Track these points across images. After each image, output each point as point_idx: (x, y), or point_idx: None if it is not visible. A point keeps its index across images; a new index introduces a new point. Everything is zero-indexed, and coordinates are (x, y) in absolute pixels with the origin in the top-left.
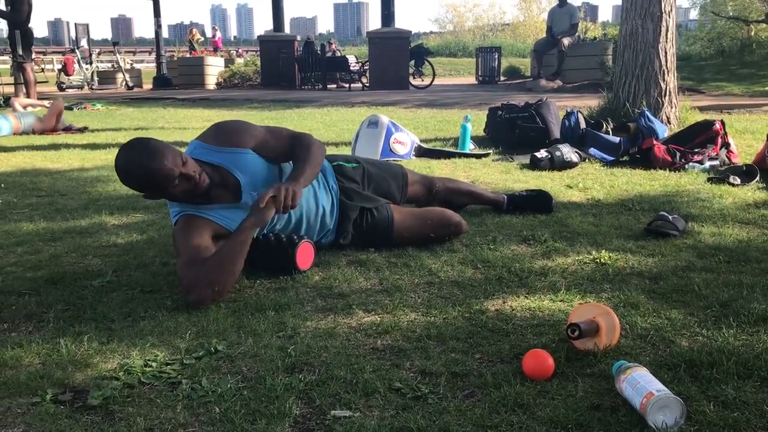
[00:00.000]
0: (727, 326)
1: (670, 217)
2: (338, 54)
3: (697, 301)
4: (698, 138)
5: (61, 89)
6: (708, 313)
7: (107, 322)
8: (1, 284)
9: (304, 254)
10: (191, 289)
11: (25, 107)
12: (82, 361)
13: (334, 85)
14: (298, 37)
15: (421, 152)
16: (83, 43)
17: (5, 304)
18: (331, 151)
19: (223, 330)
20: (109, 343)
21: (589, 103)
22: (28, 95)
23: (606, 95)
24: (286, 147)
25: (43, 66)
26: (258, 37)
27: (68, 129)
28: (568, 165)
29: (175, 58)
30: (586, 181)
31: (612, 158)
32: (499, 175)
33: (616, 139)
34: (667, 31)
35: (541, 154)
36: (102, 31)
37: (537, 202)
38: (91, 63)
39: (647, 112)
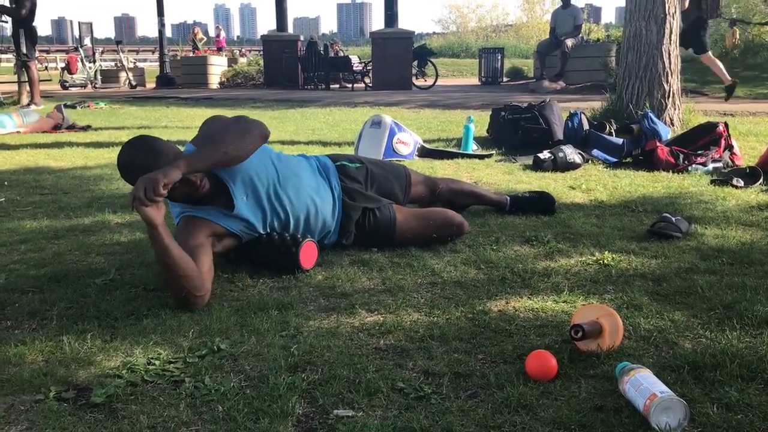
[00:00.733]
0: (730, 328)
1: (673, 218)
2: (341, 54)
3: (700, 303)
4: (702, 140)
5: (64, 87)
6: (711, 315)
7: (110, 320)
8: (5, 282)
9: (308, 253)
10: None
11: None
12: (85, 359)
13: (337, 85)
14: (302, 37)
15: (424, 152)
16: (87, 41)
17: (9, 301)
18: (334, 150)
19: (226, 329)
20: (113, 341)
21: (593, 104)
22: (31, 94)
23: (609, 97)
24: (221, 129)
25: (46, 64)
26: (261, 36)
27: (71, 127)
28: (571, 166)
29: (179, 58)
30: (589, 183)
31: (615, 160)
32: (501, 176)
33: (620, 141)
34: (670, 32)
35: (544, 155)
36: (105, 29)
37: (540, 203)
38: (94, 62)
39: (650, 114)
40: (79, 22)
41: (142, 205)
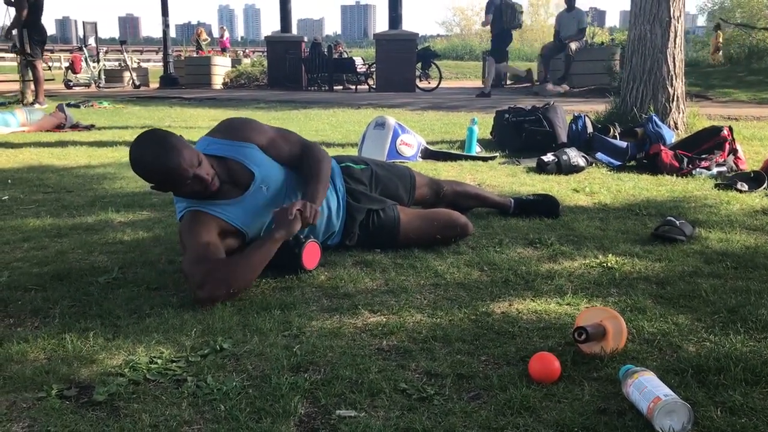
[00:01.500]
0: (734, 332)
1: (677, 222)
2: (345, 56)
3: (704, 306)
4: (706, 144)
5: (68, 87)
6: (715, 318)
7: (113, 318)
8: (8, 279)
9: (311, 254)
10: (203, 286)
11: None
12: (87, 357)
13: (341, 87)
14: (305, 39)
15: (428, 154)
16: (91, 41)
17: (11, 299)
18: (337, 152)
19: (228, 328)
20: (115, 339)
21: (596, 107)
22: (36, 93)
23: (613, 100)
24: (297, 153)
25: (50, 64)
26: (265, 37)
27: (75, 126)
28: (574, 169)
29: (182, 58)
30: (593, 186)
31: (619, 163)
32: (505, 179)
33: (624, 144)
34: (675, 36)
35: (548, 157)
36: (110, 29)
37: (544, 206)
38: (98, 61)
39: (655, 117)
40: (83, 22)
41: (306, 226)
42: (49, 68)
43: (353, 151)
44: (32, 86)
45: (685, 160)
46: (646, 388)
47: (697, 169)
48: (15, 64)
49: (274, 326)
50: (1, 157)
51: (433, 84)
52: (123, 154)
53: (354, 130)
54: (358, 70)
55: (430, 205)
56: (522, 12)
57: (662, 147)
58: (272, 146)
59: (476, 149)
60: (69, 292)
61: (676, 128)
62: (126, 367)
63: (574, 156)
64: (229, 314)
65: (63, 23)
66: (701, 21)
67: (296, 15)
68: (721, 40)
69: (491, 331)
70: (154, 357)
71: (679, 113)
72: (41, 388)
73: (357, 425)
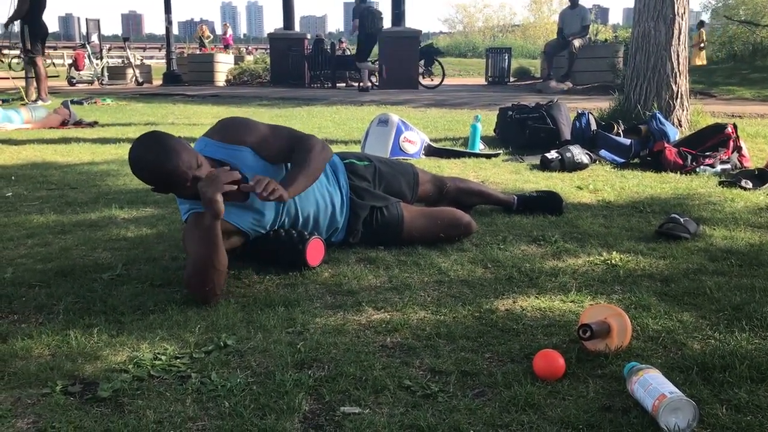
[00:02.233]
0: (739, 330)
1: (681, 219)
2: (348, 53)
3: (708, 304)
4: (710, 141)
5: (71, 84)
6: (720, 316)
7: (117, 314)
8: (12, 276)
9: (314, 251)
10: (188, 289)
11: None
12: (91, 353)
13: (344, 84)
14: (308, 36)
15: (431, 151)
16: (94, 38)
17: (15, 295)
18: (340, 149)
19: (232, 325)
20: (119, 335)
21: (600, 105)
22: (39, 89)
23: (617, 97)
24: (285, 146)
25: (52, 60)
26: (268, 34)
27: (78, 123)
28: (578, 166)
29: (185, 55)
30: (597, 183)
31: (623, 160)
32: (509, 176)
33: (627, 141)
34: (679, 33)
35: (552, 155)
36: (112, 26)
37: (547, 203)
38: (101, 58)
39: (659, 115)
40: (86, 19)
41: (217, 191)
42: (53, 65)
43: (356, 148)
44: (35, 83)
45: (689, 157)
46: (651, 385)
47: (701, 167)
48: (17, 61)
49: (277, 323)
50: (4, 154)
51: (436, 81)
52: (126, 151)
53: (357, 128)
54: None
55: (433, 202)
56: (382, 18)
57: (666, 144)
58: (263, 146)
59: (480, 146)
60: (73, 289)
61: (680, 126)
62: (130, 363)
63: (578, 153)
64: (233, 311)
65: (66, 20)
66: (705, 18)
67: (299, 12)
68: (704, 38)
69: (495, 329)
70: (158, 353)
71: (682, 110)
72: (46, 384)
73: (361, 422)
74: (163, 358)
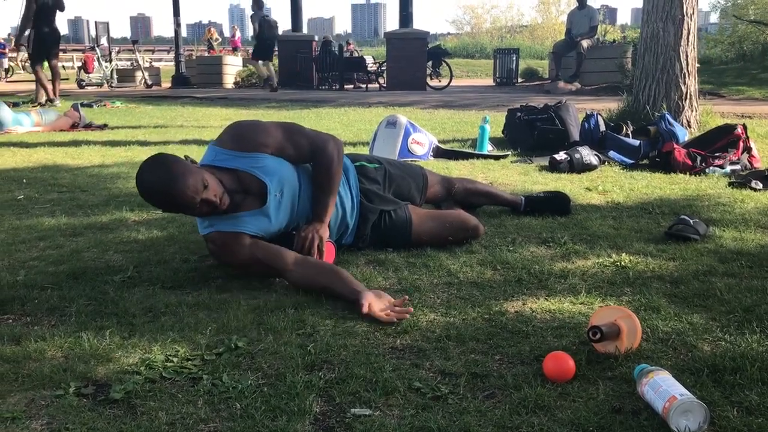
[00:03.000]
0: (750, 332)
1: (691, 221)
2: (356, 54)
3: (719, 305)
4: (719, 142)
5: (80, 86)
6: (730, 318)
7: (128, 317)
8: (24, 278)
9: (325, 252)
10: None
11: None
12: (104, 355)
13: (351, 86)
14: (316, 38)
15: (439, 153)
16: (103, 41)
17: (28, 297)
18: (348, 150)
19: (243, 327)
20: (131, 337)
21: (608, 105)
22: (46, 92)
23: (626, 98)
24: (305, 152)
25: (62, 64)
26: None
27: (88, 126)
28: (587, 167)
29: (194, 57)
30: (606, 184)
31: (632, 161)
32: (517, 177)
33: (636, 142)
34: (688, 34)
35: (560, 156)
36: (121, 29)
37: (555, 203)
38: (110, 61)
39: (668, 116)
40: (95, 22)
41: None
42: (63, 67)
43: (364, 150)
44: (49, 85)
45: (699, 158)
46: (662, 387)
47: (711, 168)
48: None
49: (288, 325)
50: (15, 157)
51: (444, 82)
52: (136, 154)
53: (365, 129)
54: (368, 68)
55: (441, 203)
56: (277, 27)
57: (675, 145)
58: (281, 153)
59: (488, 148)
60: (85, 291)
61: (689, 126)
62: (142, 365)
63: (587, 154)
64: (243, 313)
65: (75, 23)
66: (714, 18)
67: (307, 14)
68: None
69: (505, 331)
70: (170, 355)
71: (692, 111)
72: (59, 386)
73: (371, 424)
74: (175, 360)
